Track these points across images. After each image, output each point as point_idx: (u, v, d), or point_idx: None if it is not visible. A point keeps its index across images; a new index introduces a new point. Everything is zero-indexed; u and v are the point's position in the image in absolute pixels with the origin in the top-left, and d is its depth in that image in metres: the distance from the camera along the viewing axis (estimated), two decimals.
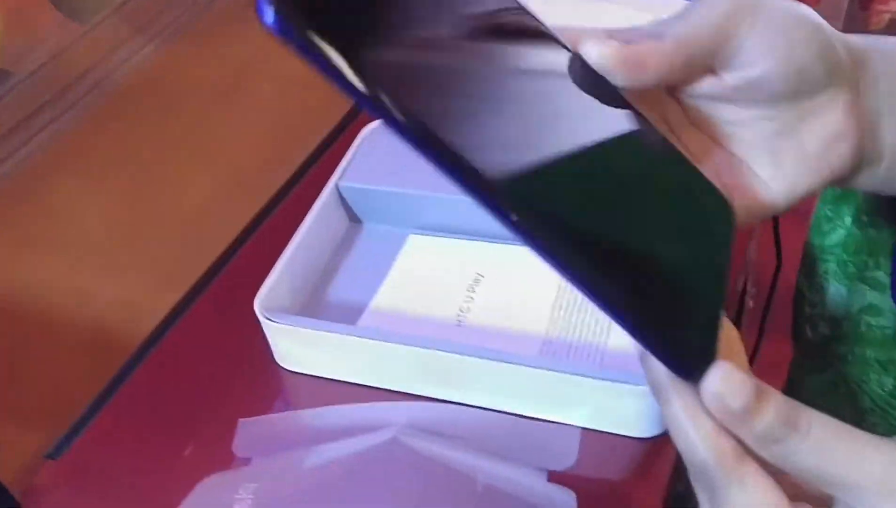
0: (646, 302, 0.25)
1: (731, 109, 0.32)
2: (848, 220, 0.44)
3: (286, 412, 0.45)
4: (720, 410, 0.24)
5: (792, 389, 0.48)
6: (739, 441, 0.25)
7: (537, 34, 0.29)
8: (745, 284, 0.77)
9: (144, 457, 0.45)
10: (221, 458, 0.43)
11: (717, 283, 0.28)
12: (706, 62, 0.30)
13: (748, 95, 0.31)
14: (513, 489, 0.40)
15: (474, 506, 0.38)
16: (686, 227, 0.29)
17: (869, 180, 0.34)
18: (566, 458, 0.42)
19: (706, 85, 0.31)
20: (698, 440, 0.25)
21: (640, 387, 0.40)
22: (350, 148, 0.55)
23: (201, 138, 0.68)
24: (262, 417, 0.45)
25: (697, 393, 0.25)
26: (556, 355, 0.45)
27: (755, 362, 0.61)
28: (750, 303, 0.71)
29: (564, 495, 0.40)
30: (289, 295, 0.49)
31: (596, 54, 0.28)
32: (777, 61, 0.31)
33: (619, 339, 0.45)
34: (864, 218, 0.43)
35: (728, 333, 0.28)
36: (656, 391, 0.26)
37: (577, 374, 0.41)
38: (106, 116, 0.72)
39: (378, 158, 0.54)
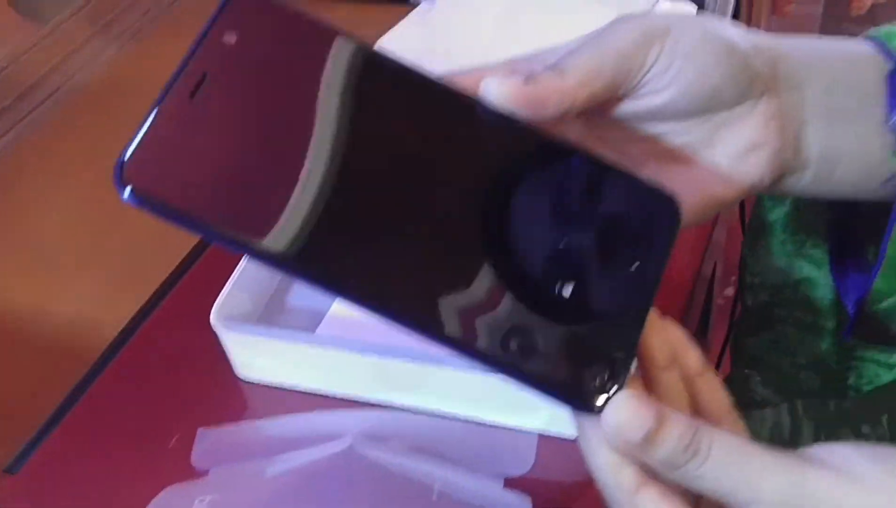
0: (531, 352, 0.26)
1: (643, 125, 0.32)
2: (787, 200, 0.45)
3: (244, 423, 0.45)
4: (620, 442, 0.25)
5: (736, 348, 0.49)
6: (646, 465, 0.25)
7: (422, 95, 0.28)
8: (713, 269, 0.78)
9: (104, 470, 0.45)
10: (181, 469, 0.43)
11: (640, 308, 0.27)
12: (612, 93, 0.30)
13: (657, 117, 0.32)
14: (468, 496, 0.40)
15: None
16: (615, 251, 0.28)
17: (796, 187, 0.34)
18: (523, 464, 0.42)
19: (615, 110, 0.31)
20: (601, 471, 0.26)
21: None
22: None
23: None
24: (221, 428, 0.45)
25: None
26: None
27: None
28: (731, 291, 0.71)
29: (520, 500, 0.40)
30: (248, 302, 0.49)
31: (495, 93, 0.28)
32: (685, 87, 0.31)
33: None
34: (804, 200, 0.44)
35: (670, 334, 0.28)
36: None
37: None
38: (69, 117, 0.71)
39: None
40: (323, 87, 0.27)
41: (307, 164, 0.26)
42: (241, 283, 0.48)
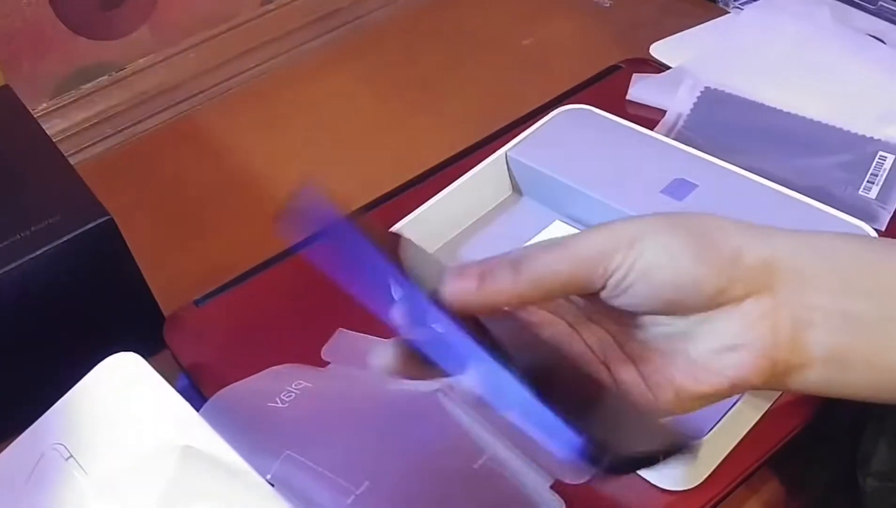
0: None
1: (619, 321, 0.33)
2: None
3: (376, 338, 0.51)
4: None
5: None
6: None
7: None
8: None
9: (265, 330, 0.52)
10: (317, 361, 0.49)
11: None
12: (572, 292, 0.32)
13: (621, 310, 0.32)
14: (508, 479, 0.42)
15: (463, 477, 0.41)
16: None
17: (803, 386, 0.32)
18: (579, 475, 0.43)
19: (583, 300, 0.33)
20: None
21: None
22: (534, 124, 0.57)
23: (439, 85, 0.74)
24: (356, 333, 0.50)
25: None
26: None
27: None
28: None
29: (554, 501, 0.41)
30: (427, 236, 0.53)
31: (449, 291, 0.30)
32: (640, 299, 0.31)
33: None
34: None
35: None
36: None
37: None
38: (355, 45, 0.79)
39: (554, 142, 0.56)
40: None
41: None
42: (429, 213, 0.52)
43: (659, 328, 0.32)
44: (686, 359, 0.31)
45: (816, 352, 0.31)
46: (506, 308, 0.32)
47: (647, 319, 0.32)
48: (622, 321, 0.33)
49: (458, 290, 0.31)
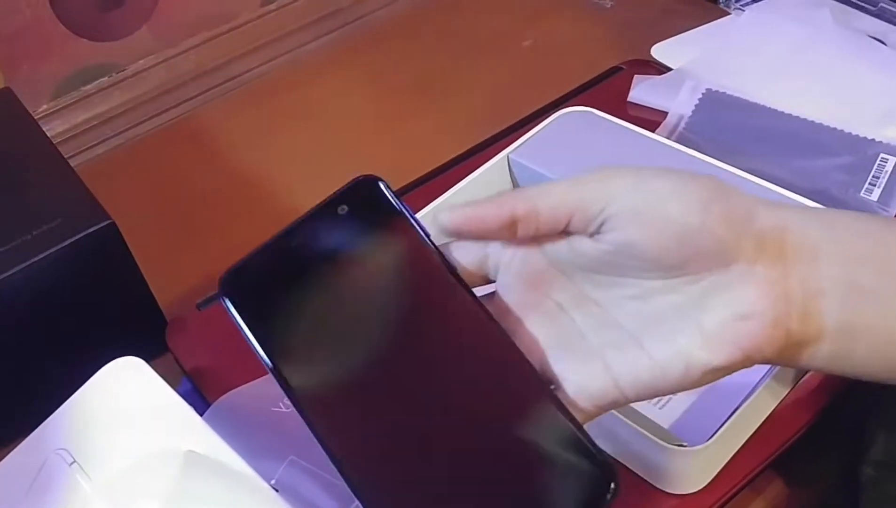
0: None
1: (626, 284, 0.32)
2: None
3: None
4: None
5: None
6: None
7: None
8: None
9: None
10: None
11: None
12: (562, 220, 0.31)
13: (627, 262, 0.31)
14: None
15: None
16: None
17: (814, 362, 0.31)
18: None
19: (582, 247, 0.32)
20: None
21: (673, 447, 0.40)
22: (535, 126, 0.57)
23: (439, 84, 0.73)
24: None
25: None
26: None
27: None
28: None
29: None
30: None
31: (445, 219, 0.32)
32: (648, 229, 0.30)
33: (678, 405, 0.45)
34: None
35: None
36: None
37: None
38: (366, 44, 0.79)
39: (556, 144, 0.56)
40: (389, 282, 0.32)
41: (347, 340, 0.31)
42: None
43: (669, 296, 0.31)
44: (698, 330, 0.30)
45: (828, 324, 0.31)
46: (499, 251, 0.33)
47: (656, 286, 0.31)
48: (628, 294, 0.32)
49: (462, 212, 0.32)
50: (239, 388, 0.46)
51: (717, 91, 0.64)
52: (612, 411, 0.41)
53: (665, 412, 0.44)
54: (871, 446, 0.42)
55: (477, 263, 0.34)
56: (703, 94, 0.64)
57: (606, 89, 0.66)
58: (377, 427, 0.31)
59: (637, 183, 0.31)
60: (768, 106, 0.62)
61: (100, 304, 0.50)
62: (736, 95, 0.63)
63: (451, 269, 0.33)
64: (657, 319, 0.31)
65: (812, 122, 0.61)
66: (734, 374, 0.43)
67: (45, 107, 0.70)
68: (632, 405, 0.42)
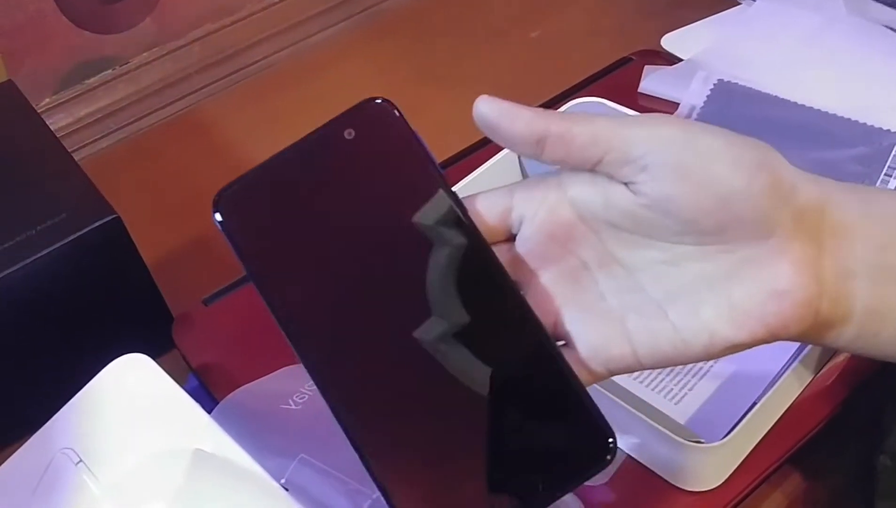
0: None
1: (657, 247, 0.31)
2: None
3: None
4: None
5: None
6: None
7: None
8: None
9: (276, 329, 0.51)
10: None
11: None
12: (596, 154, 0.30)
13: (662, 221, 0.30)
14: None
15: None
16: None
17: (838, 342, 0.31)
18: (599, 476, 0.42)
19: (617, 198, 0.30)
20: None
21: (690, 444, 0.40)
22: None
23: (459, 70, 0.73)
24: None
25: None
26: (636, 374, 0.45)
27: None
28: None
29: (573, 503, 0.40)
30: None
31: (482, 106, 0.31)
32: (690, 186, 0.29)
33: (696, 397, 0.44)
34: None
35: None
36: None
37: (629, 404, 0.41)
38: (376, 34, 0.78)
39: None
40: (391, 215, 0.31)
41: (346, 268, 0.30)
42: None
43: (700, 265, 0.30)
44: (727, 303, 0.29)
45: (857, 306, 0.30)
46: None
47: (688, 252, 0.30)
48: (657, 258, 0.31)
49: (500, 105, 0.31)
50: (247, 385, 0.45)
51: (728, 81, 0.63)
52: (627, 406, 0.40)
53: (681, 407, 0.43)
54: (887, 436, 0.41)
55: (500, 214, 0.32)
56: (714, 84, 0.63)
57: (616, 80, 0.66)
58: (371, 366, 0.30)
59: (686, 137, 0.29)
60: (781, 96, 0.61)
61: (105, 300, 0.50)
62: (748, 85, 0.63)
63: (461, 209, 0.31)
64: (685, 287, 0.30)
65: (825, 112, 0.60)
66: (751, 369, 0.43)
67: (47, 100, 0.69)
68: (646, 400, 0.42)
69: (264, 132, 0.69)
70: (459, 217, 0.31)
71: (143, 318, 0.52)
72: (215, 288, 0.54)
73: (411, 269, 0.30)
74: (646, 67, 0.65)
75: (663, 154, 0.29)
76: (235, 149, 0.68)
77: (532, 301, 0.31)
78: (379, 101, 0.32)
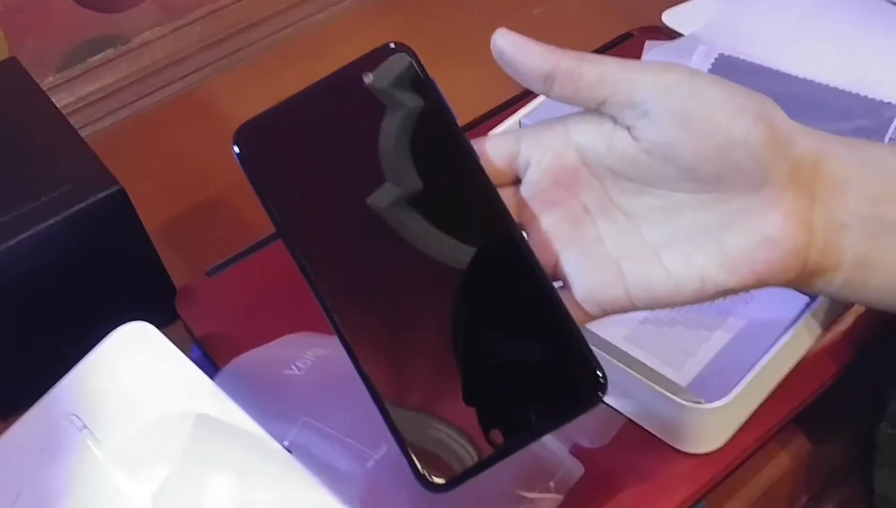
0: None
1: (655, 195, 0.31)
2: None
3: None
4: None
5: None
6: None
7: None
8: None
9: (283, 298, 0.51)
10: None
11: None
12: (602, 94, 0.31)
13: (661, 167, 0.30)
14: None
15: None
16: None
17: (826, 290, 0.32)
18: (598, 439, 0.42)
19: (620, 143, 0.31)
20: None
21: (690, 405, 0.40)
22: None
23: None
24: None
25: None
26: (638, 338, 0.45)
27: None
28: None
29: (573, 465, 0.41)
30: None
31: (500, 38, 0.32)
32: (691, 134, 0.30)
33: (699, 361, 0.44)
34: None
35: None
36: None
37: (628, 365, 0.41)
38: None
39: (568, 107, 0.55)
40: (404, 158, 0.32)
41: (357, 203, 0.32)
42: None
43: (696, 213, 0.31)
44: (719, 249, 0.31)
45: (846, 256, 0.31)
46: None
47: (684, 200, 0.31)
48: (656, 205, 0.32)
49: (515, 39, 0.32)
50: (249, 352, 0.45)
51: (730, 56, 0.63)
52: (628, 369, 0.40)
53: (682, 371, 0.43)
54: (889, 404, 0.41)
55: (507, 158, 0.34)
56: (716, 59, 0.63)
57: (617, 56, 0.65)
58: (377, 299, 0.31)
59: (689, 85, 0.30)
60: (783, 71, 0.61)
61: (109, 271, 0.50)
62: (750, 59, 0.62)
63: (471, 154, 0.32)
64: (680, 234, 0.31)
65: (827, 85, 0.60)
66: (753, 332, 0.43)
67: (50, 79, 0.69)
68: (648, 364, 0.42)
69: None
70: (469, 160, 0.32)
71: (146, 289, 0.52)
72: (217, 261, 0.54)
73: (419, 207, 0.31)
74: (647, 42, 0.65)
75: (666, 101, 0.30)
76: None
77: (533, 243, 0.32)
78: (394, 45, 0.33)
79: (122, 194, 0.48)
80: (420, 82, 0.32)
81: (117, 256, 0.50)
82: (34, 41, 0.68)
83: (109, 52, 0.71)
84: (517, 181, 0.34)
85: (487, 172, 0.32)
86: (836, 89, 0.60)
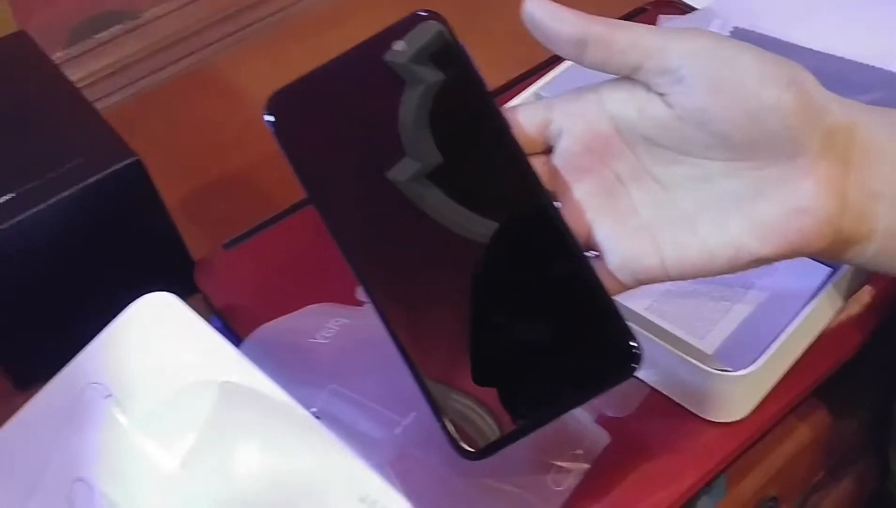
0: None
1: (689, 163, 0.31)
2: None
3: None
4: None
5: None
6: None
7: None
8: None
9: (301, 270, 0.51)
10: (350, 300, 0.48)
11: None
12: (635, 60, 0.31)
13: (694, 134, 0.30)
14: None
15: None
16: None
17: (859, 260, 0.31)
18: (623, 408, 0.42)
19: (652, 110, 0.31)
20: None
21: (717, 372, 0.40)
22: (564, 63, 0.56)
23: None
24: None
25: None
26: (660, 309, 0.45)
27: None
28: None
29: (598, 433, 0.41)
30: None
31: (531, 5, 0.32)
32: (724, 99, 0.29)
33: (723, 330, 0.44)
34: None
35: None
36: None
37: (654, 334, 0.41)
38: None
39: (584, 81, 0.55)
40: (436, 126, 0.32)
41: (385, 178, 0.32)
42: None
43: (729, 181, 0.31)
44: (753, 219, 0.31)
45: (879, 225, 0.31)
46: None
47: (718, 169, 0.31)
48: (689, 173, 0.32)
49: (546, 5, 0.32)
50: (272, 322, 0.45)
51: (745, 29, 0.63)
52: (654, 338, 0.40)
53: (706, 342, 0.43)
54: None
55: (539, 126, 0.33)
56: (730, 32, 0.63)
57: None
58: (412, 270, 0.32)
59: (722, 51, 0.30)
60: (798, 44, 0.61)
61: (127, 243, 0.50)
62: (764, 33, 0.62)
63: (503, 123, 0.32)
64: (713, 203, 0.31)
65: (842, 58, 0.60)
66: (775, 303, 0.43)
67: (59, 55, 0.68)
68: (673, 332, 0.42)
69: (277, 85, 0.69)
70: (501, 128, 0.31)
71: (164, 262, 0.52)
72: (234, 234, 0.54)
73: (451, 177, 0.31)
74: (660, 16, 0.65)
75: (699, 66, 0.30)
76: (249, 101, 0.67)
77: (566, 213, 0.32)
78: (426, 13, 0.32)
79: (138, 165, 0.48)
80: (451, 50, 0.32)
81: (135, 228, 0.50)
82: (41, 16, 0.67)
83: (118, 28, 0.70)
84: (549, 150, 0.34)
85: (519, 140, 0.32)
86: (851, 62, 0.59)
